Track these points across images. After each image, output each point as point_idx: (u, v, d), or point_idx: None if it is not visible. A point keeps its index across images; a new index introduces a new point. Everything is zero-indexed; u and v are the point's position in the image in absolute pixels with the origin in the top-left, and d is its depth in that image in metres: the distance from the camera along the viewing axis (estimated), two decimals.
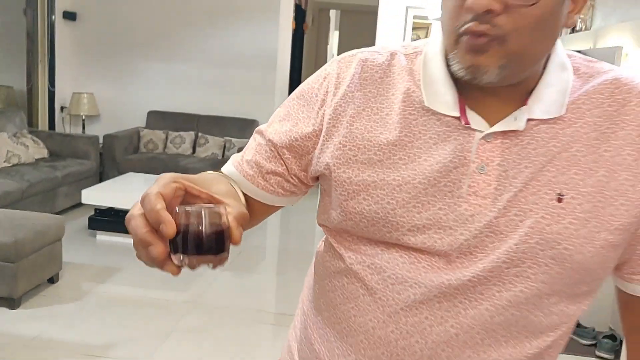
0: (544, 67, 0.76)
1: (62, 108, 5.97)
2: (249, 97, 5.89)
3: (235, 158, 0.90)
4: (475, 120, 0.75)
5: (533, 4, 0.67)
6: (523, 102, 0.75)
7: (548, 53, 0.75)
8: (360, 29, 8.52)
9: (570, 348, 3.26)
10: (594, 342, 3.17)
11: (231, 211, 0.64)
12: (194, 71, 5.95)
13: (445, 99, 0.76)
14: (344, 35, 9.55)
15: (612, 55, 3.32)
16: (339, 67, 0.83)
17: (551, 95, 0.75)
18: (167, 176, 0.65)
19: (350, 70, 0.82)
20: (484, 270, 0.73)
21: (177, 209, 0.61)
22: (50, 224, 3.38)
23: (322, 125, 0.81)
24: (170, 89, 6.01)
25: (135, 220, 0.62)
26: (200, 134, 5.78)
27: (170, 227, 0.59)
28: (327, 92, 0.82)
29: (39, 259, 3.28)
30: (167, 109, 5.96)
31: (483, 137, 0.74)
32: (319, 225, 0.87)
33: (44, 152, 5.19)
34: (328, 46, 9.36)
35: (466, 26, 0.69)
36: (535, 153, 0.74)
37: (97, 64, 6.06)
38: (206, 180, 0.74)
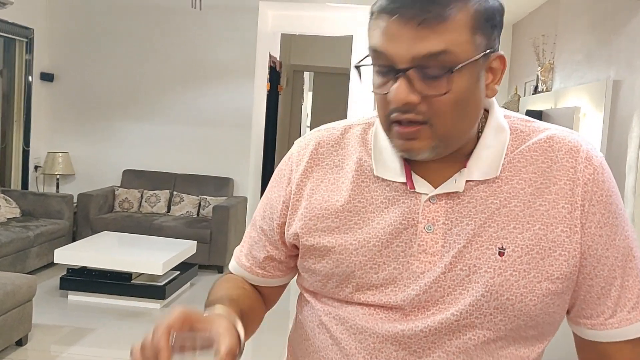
0: (482, 130, 0.82)
1: (36, 167, 5.96)
2: (224, 156, 5.97)
3: (235, 252, 1.00)
4: (420, 184, 0.82)
5: (446, 93, 0.73)
6: (463, 163, 0.81)
7: (475, 125, 0.81)
8: (333, 90, 8.76)
9: None
10: None
11: (223, 346, 0.71)
12: (169, 130, 6.03)
13: (392, 167, 0.83)
14: (317, 95, 9.79)
15: (571, 114, 3.50)
16: (299, 147, 0.93)
17: (488, 157, 0.81)
18: (177, 310, 0.74)
19: (309, 148, 0.91)
20: (435, 322, 0.79)
21: (173, 336, 0.70)
22: (20, 284, 3.33)
23: (289, 200, 0.89)
24: (145, 148, 6.06)
25: (135, 356, 0.71)
26: (175, 193, 5.80)
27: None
28: (291, 170, 0.91)
29: (8, 320, 3.21)
30: (142, 167, 5.99)
31: (428, 199, 0.81)
32: (297, 284, 0.95)
33: (16, 212, 5.14)
34: (302, 106, 9.56)
35: (392, 116, 0.77)
36: (475, 211, 0.80)
37: (73, 124, 6.10)
38: (211, 319, 0.78)
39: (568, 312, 0.85)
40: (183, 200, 5.72)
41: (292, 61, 8.81)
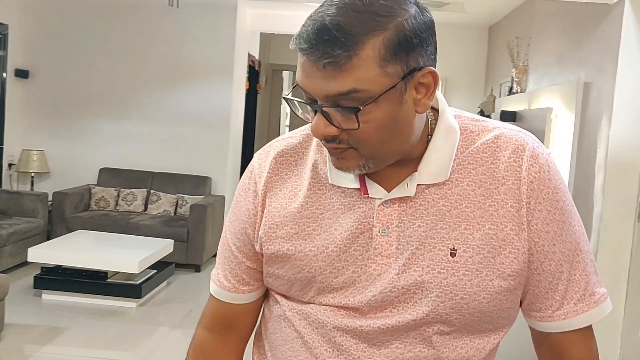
0: (432, 133, 0.84)
1: (10, 165, 5.88)
2: (202, 154, 5.95)
3: (213, 276, 0.99)
4: (373, 189, 0.84)
5: (357, 128, 0.75)
6: (414, 167, 0.83)
7: (409, 140, 0.81)
8: None
9: None
10: None
11: None
12: (147, 129, 5.99)
13: (346, 174, 0.84)
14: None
15: (543, 115, 3.56)
16: (259, 159, 0.94)
17: (438, 160, 0.83)
18: None
19: (269, 159, 0.92)
20: (393, 321, 0.82)
21: None
22: None
23: (257, 212, 0.91)
24: (122, 147, 6.01)
25: None
26: (152, 191, 5.76)
27: None
28: (255, 183, 0.92)
29: None
30: (119, 166, 5.94)
31: (381, 203, 0.83)
32: (265, 283, 0.96)
33: None
34: (281, 105, 9.56)
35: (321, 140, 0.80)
36: (427, 213, 0.82)
37: (48, 121, 6.03)
38: None
39: (520, 305, 0.88)
40: (160, 199, 5.69)
41: (271, 60, 8.81)
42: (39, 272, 4.35)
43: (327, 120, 0.76)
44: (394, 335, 0.83)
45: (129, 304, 4.25)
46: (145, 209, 5.71)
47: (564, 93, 3.42)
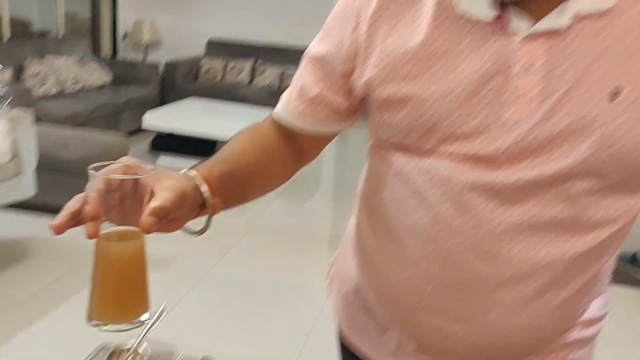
0: None
1: (124, 35, 6.07)
2: (309, 25, 5.81)
3: (284, 96, 0.88)
4: (514, 19, 0.68)
5: None
6: None
7: None
8: None
9: (626, 280, 3.18)
10: None
11: (155, 202, 0.63)
12: None
13: (480, 1, 0.69)
14: None
15: None
16: None
17: None
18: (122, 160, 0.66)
19: None
20: (532, 175, 0.70)
21: (91, 173, 0.62)
22: (114, 141, 3.50)
23: (359, 45, 0.77)
24: (230, 17, 6.00)
25: (72, 200, 0.65)
26: (259, 62, 5.78)
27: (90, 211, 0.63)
28: (358, 12, 0.78)
29: None
30: (226, 37, 5.97)
31: (525, 38, 0.68)
32: (370, 134, 0.85)
33: (107, 78, 5.31)
34: None
35: None
36: (583, 49, 0.66)
37: None
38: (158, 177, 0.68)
39: None
40: (265, 72, 5.70)
41: None
42: (155, 136, 4.58)
43: None
44: (531, 192, 0.70)
45: None
46: (251, 81, 5.76)
47: None
